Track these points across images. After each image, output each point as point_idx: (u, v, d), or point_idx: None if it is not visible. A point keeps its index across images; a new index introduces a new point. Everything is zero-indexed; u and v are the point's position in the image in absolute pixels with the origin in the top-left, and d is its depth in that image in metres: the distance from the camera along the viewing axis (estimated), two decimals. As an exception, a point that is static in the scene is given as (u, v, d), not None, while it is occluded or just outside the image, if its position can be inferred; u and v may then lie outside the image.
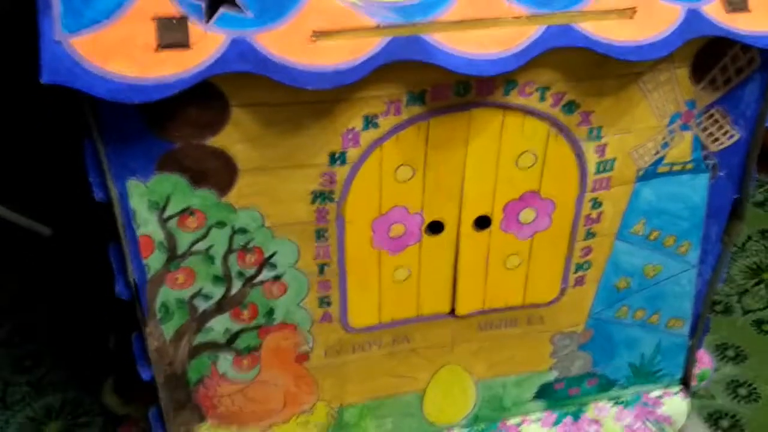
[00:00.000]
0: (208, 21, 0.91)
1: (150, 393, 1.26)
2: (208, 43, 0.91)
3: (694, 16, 1.06)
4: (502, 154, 1.16)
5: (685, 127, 1.23)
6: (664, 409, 1.53)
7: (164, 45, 0.89)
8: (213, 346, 1.21)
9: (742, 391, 1.60)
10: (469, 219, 1.21)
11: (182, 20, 0.90)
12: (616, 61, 1.06)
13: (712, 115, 1.23)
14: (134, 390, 1.53)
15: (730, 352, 1.69)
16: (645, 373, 1.52)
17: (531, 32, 1.01)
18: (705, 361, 1.66)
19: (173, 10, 0.90)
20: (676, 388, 1.57)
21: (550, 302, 1.36)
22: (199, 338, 1.19)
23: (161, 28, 0.89)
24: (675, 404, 1.54)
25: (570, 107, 1.14)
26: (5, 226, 1.85)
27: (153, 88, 0.89)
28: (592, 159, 1.21)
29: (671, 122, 1.21)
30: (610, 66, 1.09)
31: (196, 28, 0.91)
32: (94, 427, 1.52)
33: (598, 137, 1.19)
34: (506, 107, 1.11)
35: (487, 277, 1.30)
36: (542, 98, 1.12)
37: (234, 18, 0.92)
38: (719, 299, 1.84)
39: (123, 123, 0.97)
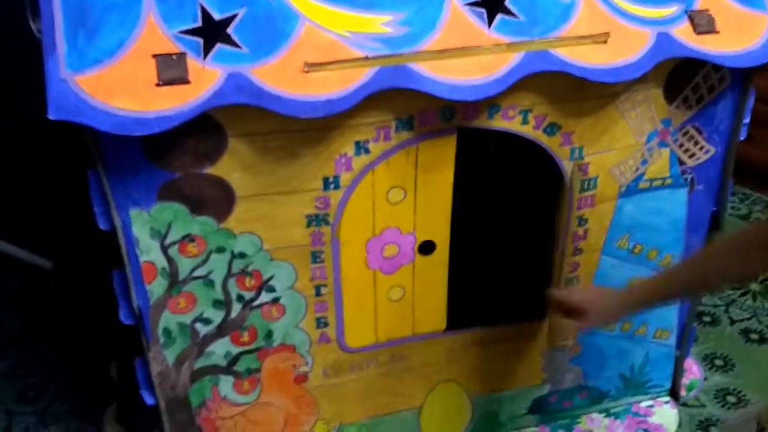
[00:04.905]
0: (205, 57, 0.96)
1: (152, 419, 1.29)
2: (206, 77, 0.95)
3: (664, 39, 1.12)
4: (488, 174, 1.21)
5: (662, 144, 1.28)
6: (654, 419, 1.56)
7: (164, 81, 0.94)
8: (214, 370, 1.23)
9: (731, 399, 1.63)
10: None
11: (181, 57, 0.95)
12: (594, 83, 1.11)
13: (687, 132, 1.28)
14: (135, 417, 1.54)
15: (719, 362, 1.73)
16: (635, 384, 1.55)
17: (511, 59, 1.06)
18: (694, 371, 1.69)
19: (172, 47, 0.95)
20: (666, 398, 1.60)
21: (541, 317, 1.40)
22: (201, 362, 1.22)
23: (161, 64, 0.94)
24: (665, 414, 1.58)
25: (552, 128, 1.19)
26: (6, 260, 1.87)
27: (155, 122, 0.94)
28: (576, 178, 1.25)
29: (649, 140, 1.26)
30: (588, 88, 1.13)
31: (194, 63, 0.95)
32: (97, 455, 1.55)
33: (580, 156, 1.23)
34: (490, 131, 1.16)
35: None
36: (525, 121, 1.16)
37: (230, 53, 0.97)
38: (707, 310, 1.88)
39: (125, 155, 1.01)
